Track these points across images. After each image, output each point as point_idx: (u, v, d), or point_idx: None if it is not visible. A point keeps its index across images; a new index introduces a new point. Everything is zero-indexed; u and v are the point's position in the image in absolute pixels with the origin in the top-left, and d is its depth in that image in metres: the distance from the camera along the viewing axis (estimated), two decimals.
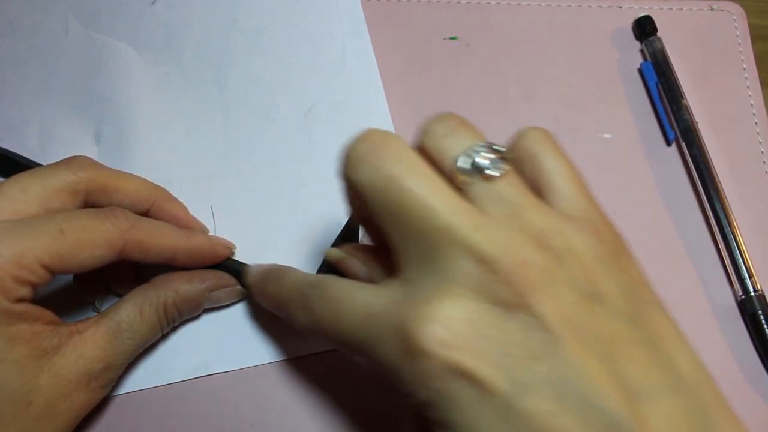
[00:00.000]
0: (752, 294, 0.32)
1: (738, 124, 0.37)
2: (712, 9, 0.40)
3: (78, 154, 0.29)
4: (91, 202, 0.27)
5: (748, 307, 0.32)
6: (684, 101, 0.36)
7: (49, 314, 0.25)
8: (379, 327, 0.20)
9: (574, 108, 0.37)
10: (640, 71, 0.38)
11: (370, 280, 0.25)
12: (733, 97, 0.38)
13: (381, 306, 0.20)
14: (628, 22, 0.40)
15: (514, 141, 0.23)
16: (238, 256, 0.31)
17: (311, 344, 0.31)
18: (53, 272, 0.24)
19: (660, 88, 0.37)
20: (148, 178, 0.30)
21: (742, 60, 0.39)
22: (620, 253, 0.21)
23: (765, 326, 0.32)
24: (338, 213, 0.33)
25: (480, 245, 0.19)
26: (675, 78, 0.37)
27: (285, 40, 0.38)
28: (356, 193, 0.21)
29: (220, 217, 0.33)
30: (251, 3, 0.38)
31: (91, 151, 0.34)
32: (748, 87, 0.38)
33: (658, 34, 0.38)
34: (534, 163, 0.22)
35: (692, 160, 0.35)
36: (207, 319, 0.31)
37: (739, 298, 0.33)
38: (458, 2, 0.40)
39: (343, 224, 0.32)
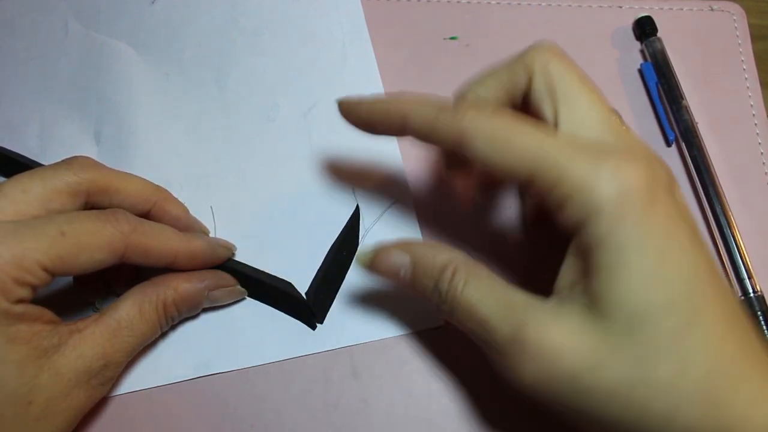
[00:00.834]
0: (752, 295, 0.32)
1: (738, 124, 0.37)
2: (712, 9, 0.40)
3: (78, 154, 0.29)
4: (92, 203, 0.27)
5: (747, 309, 0.32)
6: (684, 102, 0.36)
7: (48, 313, 0.25)
8: (576, 156, 0.22)
9: None
10: (640, 71, 0.38)
11: None
12: (733, 98, 0.38)
13: (578, 147, 0.23)
14: (628, 22, 0.40)
15: (525, 54, 0.27)
16: (238, 256, 0.31)
17: (311, 344, 0.31)
18: (53, 274, 0.24)
19: (660, 88, 0.37)
20: (148, 178, 0.30)
21: (742, 60, 0.39)
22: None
23: (765, 328, 0.32)
24: (338, 213, 0.33)
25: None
26: (675, 78, 0.37)
27: (285, 40, 0.38)
28: (546, 76, 0.25)
29: (220, 217, 0.33)
30: (251, 3, 0.38)
31: (90, 151, 0.34)
32: (748, 88, 0.38)
33: (658, 34, 0.38)
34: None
35: (692, 161, 0.35)
36: (207, 319, 0.31)
37: (738, 300, 0.33)
38: (458, 2, 0.40)
39: (344, 224, 0.32)
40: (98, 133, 0.35)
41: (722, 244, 0.33)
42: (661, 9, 0.40)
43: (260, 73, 0.37)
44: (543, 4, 0.40)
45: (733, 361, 0.21)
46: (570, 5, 0.40)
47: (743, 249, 0.33)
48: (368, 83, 0.37)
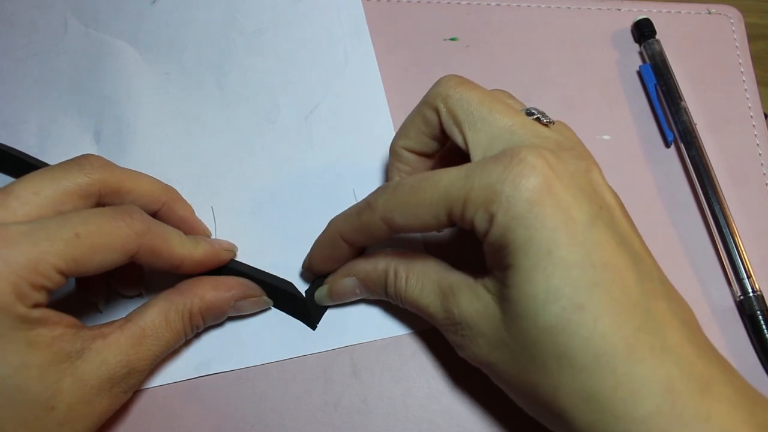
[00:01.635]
0: (751, 295, 0.32)
1: (736, 125, 0.37)
2: (709, 12, 0.40)
3: (77, 153, 0.28)
4: (103, 203, 0.27)
5: (746, 308, 0.32)
6: (682, 103, 0.36)
7: (69, 318, 0.25)
8: (473, 175, 0.24)
9: (573, 109, 0.37)
10: (639, 73, 0.39)
11: None
12: (731, 99, 0.38)
13: (474, 165, 0.24)
14: (627, 25, 0.40)
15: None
16: (239, 256, 0.31)
17: (311, 344, 0.31)
18: (68, 276, 0.24)
19: (659, 89, 0.37)
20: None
21: (740, 63, 0.39)
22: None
23: (764, 327, 0.32)
24: (339, 212, 0.33)
25: (545, 138, 0.26)
26: (673, 80, 0.37)
27: (286, 41, 0.38)
28: (448, 108, 0.27)
29: (220, 217, 0.33)
30: (252, 4, 0.38)
31: (90, 150, 0.34)
32: (745, 89, 0.38)
33: (657, 36, 0.39)
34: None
35: (691, 162, 0.35)
36: None
37: (737, 299, 0.33)
38: (458, 3, 0.40)
39: None
40: (98, 132, 0.35)
41: (721, 244, 0.34)
42: (660, 11, 0.40)
43: (261, 73, 0.37)
44: (543, 5, 0.40)
45: (624, 351, 0.21)
46: (569, 7, 0.40)
47: (742, 249, 0.33)
48: (369, 85, 0.37)
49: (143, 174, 0.29)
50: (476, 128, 0.26)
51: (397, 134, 0.30)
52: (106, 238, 0.24)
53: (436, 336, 0.31)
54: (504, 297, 0.24)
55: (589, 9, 0.40)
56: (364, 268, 0.29)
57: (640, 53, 0.39)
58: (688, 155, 0.36)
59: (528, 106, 0.28)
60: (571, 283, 0.22)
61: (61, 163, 0.27)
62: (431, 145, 0.29)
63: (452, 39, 0.39)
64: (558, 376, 0.22)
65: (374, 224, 0.27)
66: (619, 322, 0.22)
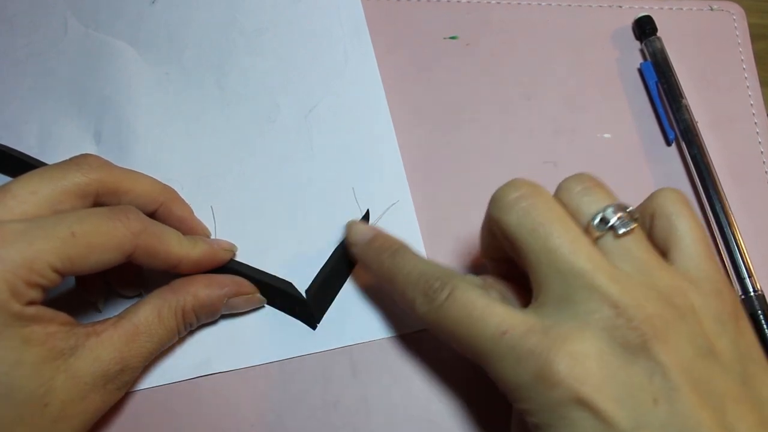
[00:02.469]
0: (752, 294, 0.32)
1: (738, 123, 0.37)
2: (711, 9, 0.40)
3: (77, 153, 0.28)
4: (100, 203, 0.27)
5: (747, 308, 0.32)
6: (684, 101, 0.36)
7: (63, 316, 0.25)
8: (514, 348, 0.22)
9: (574, 107, 0.37)
10: (640, 71, 0.38)
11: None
12: (733, 97, 0.38)
13: (520, 329, 0.22)
14: (628, 22, 0.40)
15: (651, 197, 0.26)
16: (239, 256, 0.31)
17: (311, 344, 0.31)
18: (63, 275, 0.24)
19: (660, 87, 0.37)
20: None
21: (742, 60, 0.39)
22: (738, 315, 0.23)
23: (765, 326, 0.32)
24: (338, 214, 0.33)
25: (616, 295, 0.21)
26: (675, 78, 0.37)
27: (286, 41, 0.38)
28: (503, 232, 0.24)
29: (220, 217, 0.33)
30: (252, 4, 0.38)
31: (90, 151, 0.34)
32: (747, 87, 0.38)
33: (658, 33, 0.38)
34: (668, 222, 0.25)
35: (692, 160, 0.35)
36: None
37: (738, 299, 0.33)
38: (458, 1, 0.40)
39: (344, 225, 0.32)
40: (98, 133, 0.35)
41: (722, 243, 0.33)
42: (661, 9, 0.40)
43: (261, 73, 0.37)
44: (543, 3, 0.40)
45: None
46: (570, 5, 0.40)
47: (743, 248, 0.33)
48: (369, 84, 0.37)
49: (141, 174, 0.29)
50: (533, 266, 0.23)
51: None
52: (102, 238, 0.24)
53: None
54: None
55: (590, 6, 0.40)
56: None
57: (641, 51, 0.39)
58: (690, 154, 0.35)
59: (602, 204, 0.24)
60: None
61: (59, 162, 0.27)
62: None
63: (452, 38, 0.39)
64: None
65: (410, 309, 0.26)
66: None
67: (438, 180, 0.35)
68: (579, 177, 0.25)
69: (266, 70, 0.37)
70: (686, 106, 0.36)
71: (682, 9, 0.40)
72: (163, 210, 0.29)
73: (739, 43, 0.39)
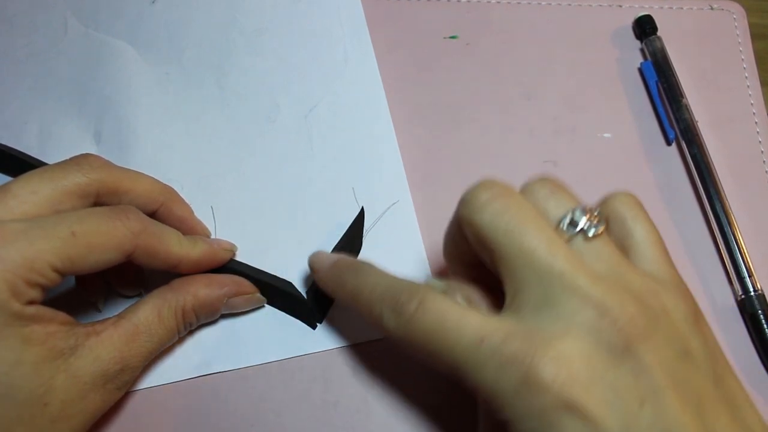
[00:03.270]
0: (752, 294, 0.32)
1: (738, 123, 0.37)
2: (712, 8, 0.40)
3: (77, 153, 0.28)
4: (100, 203, 0.27)
5: (748, 307, 0.32)
6: (684, 100, 0.36)
7: (63, 315, 0.25)
8: (494, 354, 0.21)
9: (574, 107, 0.37)
10: (640, 70, 0.38)
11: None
12: (733, 97, 0.38)
13: (499, 335, 0.21)
14: (629, 22, 0.40)
15: (604, 201, 0.25)
16: (239, 256, 0.31)
17: (311, 344, 0.31)
18: (63, 275, 0.24)
19: (660, 87, 0.37)
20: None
21: (742, 59, 0.39)
22: (700, 316, 0.23)
23: (765, 326, 0.32)
24: (338, 214, 0.33)
25: (599, 296, 0.21)
26: (675, 77, 0.37)
27: (285, 41, 0.38)
28: (475, 234, 0.23)
29: (220, 217, 0.33)
30: (252, 3, 0.38)
31: (91, 151, 0.34)
32: (748, 86, 0.38)
33: (658, 33, 0.38)
34: (623, 226, 0.24)
35: (692, 160, 0.35)
36: None
37: (739, 298, 0.33)
38: (458, 1, 0.40)
39: (348, 225, 0.32)
40: (98, 133, 0.35)
41: (723, 243, 0.33)
42: (661, 8, 0.40)
43: (261, 73, 0.37)
44: (543, 3, 0.40)
45: None
46: (570, 4, 0.40)
47: (743, 247, 0.33)
48: (369, 84, 0.37)
49: (142, 174, 0.29)
50: (508, 268, 0.22)
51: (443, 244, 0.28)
52: (102, 238, 0.24)
53: None
54: None
55: (590, 6, 0.40)
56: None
57: (642, 50, 0.39)
58: (690, 153, 0.35)
59: (569, 206, 0.24)
60: None
61: (59, 162, 0.27)
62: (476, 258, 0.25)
63: (452, 37, 0.39)
64: None
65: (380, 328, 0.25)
66: None
67: (438, 180, 0.35)
68: (542, 180, 0.25)
69: (266, 70, 0.37)
70: (686, 105, 0.36)
71: (682, 8, 0.40)
72: (164, 210, 0.29)
73: (739, 43, 0.39)
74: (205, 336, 0.31)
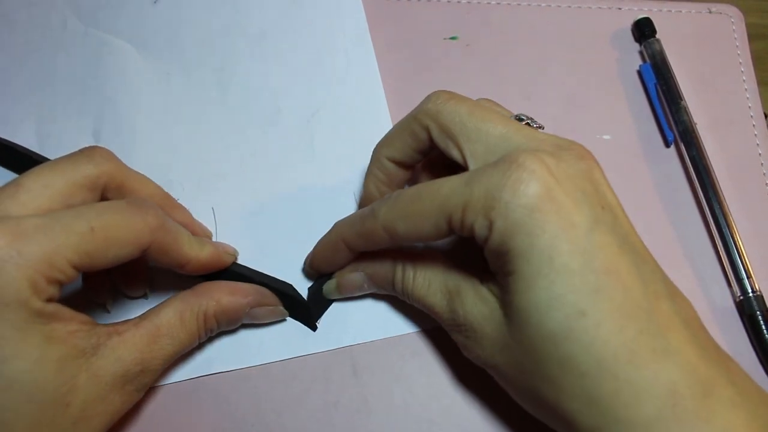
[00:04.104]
0: (750, 295, 0.32)
1: (736, 125, 0.37)
2: (710, 11, 0.40)
3: None
4: (105, 197, 0.27)
5: (746, 308, 0.32)
6: (683, 103, 0.36)
7: (82, 315, 0.24)
8: (473, 182, 0.24)
9: (573, 109, 0.37)
10: (639, 73, 0.39)
11: None
12: (732, 99, 0.38)
13: (473, 173, 0.24)
14: (628, 24, 0.40)
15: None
16: (239, 258, 0.31)
17: (311, 344, 0.31)
18: (80, 271, 0.23)
19: (659, 89, 0.37)
20: (149, 178, 0.30)
21: (740, 62, 0.39)
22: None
23: (763, 327, 0.32)
24: (339, 216, 0.33)
25: (551, 139, 0.26)
26: (674, 79, 0.37)
27: (287, 44, 0.37)
28: (439, 123, 0.27)
29: (221, 218, 0.33)
30: (254, 7, 0.38)
31: None
32: (745, 89, 0.38)
33: (657, 35, 0.39)
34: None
35: (691, 161, 0.35)
36: None
37: (737, 299, 0.33)
38: (458, 2, 0.40)
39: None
40: (97, 132, 0.35)
41: (721, 244, 0.34)
42: (660, 11, 0.40)
43: (262, 76, 0.37)
44: (543, 4, 0.40)
45: (625, 355, 0.22)
46: (570, 6, 0.40)
47: (742, 249, 0.33)
48: (370, 89, 0.37)
49: (147, 178, 0.29)
50: (471, 139, 0.26)
51: (381, 142, 0.30)
52: (120, 232, 0.24)
53: (436, 336, 0.31)
54: (507, 303, 0.24)
55: (590, 8, 0.40)
56: (372, 265, 0.30)
57: (641, 53, 0.39)
58: (688, 155, 0.36)
59: (515, 113, 0.29)
60: (573, 290, 0.22)
61: (68, 155, 0.27)
62: (414, 158, 0.29)
63: (452, 38, 0.39)
64: (560, 381, 0.23)
65: (376, 233, 0.27)
66: (621, 326, 0.22)
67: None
68: (487, 99, 0.30)
69: (268, 72, 0.37)
70: (685, 107, 0.36)
71: (680, 11, 0.40)
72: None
73: (737, 46, 0.40)
74: None
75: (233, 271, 0.30)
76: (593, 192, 0.24)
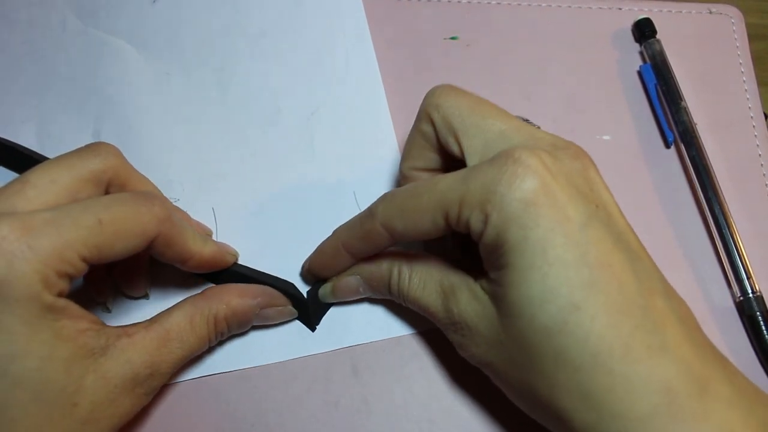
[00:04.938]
0: (750, 295, 0.32)
1: (736, 126, 0.37)
2: (710, 12, 0.40)
3: None
4: (109, 193, 0.27)
5: (746, 309, 0.32)
6: (683, 103, 0.36)
7: (91, 315, 0.24)
8: (469, 177, 0.24)
9: (573, 109, 0.37)
10: (640, 73, 0.39)
11: None
12: (732, 100, 0.38)
13: (470, 169, 0.24)
14: (628, 24, 0.40)
15: None
16: (240, 257, 0.31)
17: (312, 345, 0.31)
18: (89, 264, 0.23)
19: (659, 90, 0.37)
20: (149, 178, 0.30)
21: (740, 63, 0.39)
22: None
23: (763, 328, 0.32)
24: (339, 215, 0.33)
25: (549, 137, 0.26)
26: (674, 80, 0.37)
27: (287, 44, 0.37)
28: (442, 115, 0.27)
29: (221, 218, 0.33)
30: (254, 7, 0.38)
31: None
32: (746, 90, 0.38)
33: (658, 36, 0.39)
34: None
35: (691, 162, 0.35)
36: None
37: (737, 300, 0.33)
38: (459, 2, 0.40)
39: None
40: (97, 132, 0.35)
41: (721, 245, 0.34)
42: (660, 11, 0.40)
43: (262, 75, 0.37)
44: (543, 4, 0.40)
45: (620, 350, 0.21)
46: (570, 6, 0.40)
47: (742, 249, 0.33)
48: (370, 88, 0.37)
49: (148, 180, 0.29)
50: (470, 134, 0.26)
51: (402, 156, 0.30)
52: (128, 224, 0.24)
53: (436, 337, 0.31)
54: (500, 297, 0.24)
55: (590, 8, 0.40)
56: (368, 268, 0.30)
57: (641, 53, 0.39)
58: (689, 155, 0.36)
59: (514, 116, 0.28)
60: (567, 282, 0.22)
61: (74, 150, 0.26)
62: (435, 159, 0.29)
63: (452, 38, 0.39)
64: (555, 376, 0.22)
65: (375, 232, 0.27)
66: (616, 321, 0.22)
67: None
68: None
69: (268, 72, 0.37)
70: (685, 108, 0.36)
71: (681, 12, 0.40)
72: None
73: (737, 46, 0.40)
74: None
75: (234, 271, 0.30)
76: (588, 190, 0.24)
